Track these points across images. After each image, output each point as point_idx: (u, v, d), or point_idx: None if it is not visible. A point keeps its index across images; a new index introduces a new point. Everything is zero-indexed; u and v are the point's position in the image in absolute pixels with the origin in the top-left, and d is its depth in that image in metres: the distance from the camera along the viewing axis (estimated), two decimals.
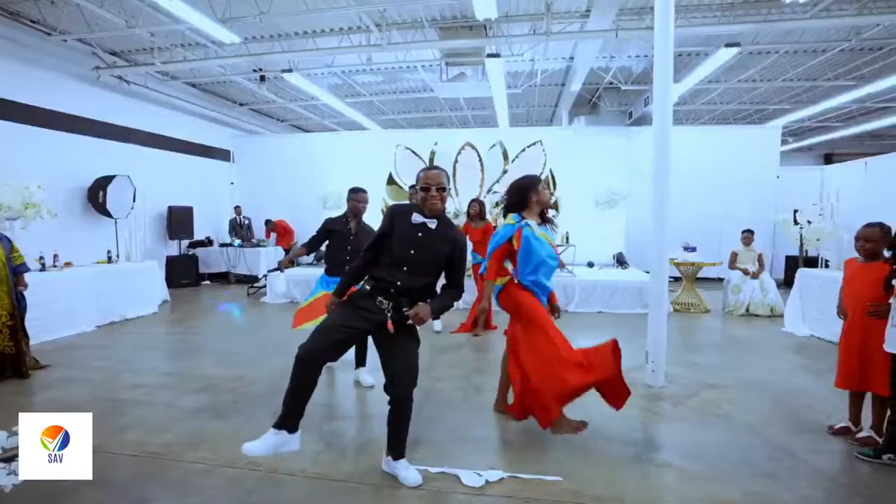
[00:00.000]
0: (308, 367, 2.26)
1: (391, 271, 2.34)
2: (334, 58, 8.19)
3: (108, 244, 7.17)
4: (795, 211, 7.03)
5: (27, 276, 4.19)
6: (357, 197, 3.83)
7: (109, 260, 6.92)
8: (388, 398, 2.33)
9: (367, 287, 2.40)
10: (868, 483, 2.45)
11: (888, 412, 2.62)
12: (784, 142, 13.90)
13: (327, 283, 3.81)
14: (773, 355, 4.81)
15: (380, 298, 2.34)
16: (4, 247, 3.96)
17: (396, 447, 2.41)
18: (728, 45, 6.97)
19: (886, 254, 2.71)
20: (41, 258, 5.58)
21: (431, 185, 2.33)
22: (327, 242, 3.89)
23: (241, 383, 3.91)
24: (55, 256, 5.84)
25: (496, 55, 7.14)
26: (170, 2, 5.28)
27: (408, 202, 3.87)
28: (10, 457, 1.42)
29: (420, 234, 2.37)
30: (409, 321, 2.26)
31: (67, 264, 6.06)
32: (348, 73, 9.58)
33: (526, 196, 2.98)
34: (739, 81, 10.14)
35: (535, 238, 2.92)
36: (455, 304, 2.60)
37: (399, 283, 2.32)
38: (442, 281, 2.52)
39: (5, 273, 3.89)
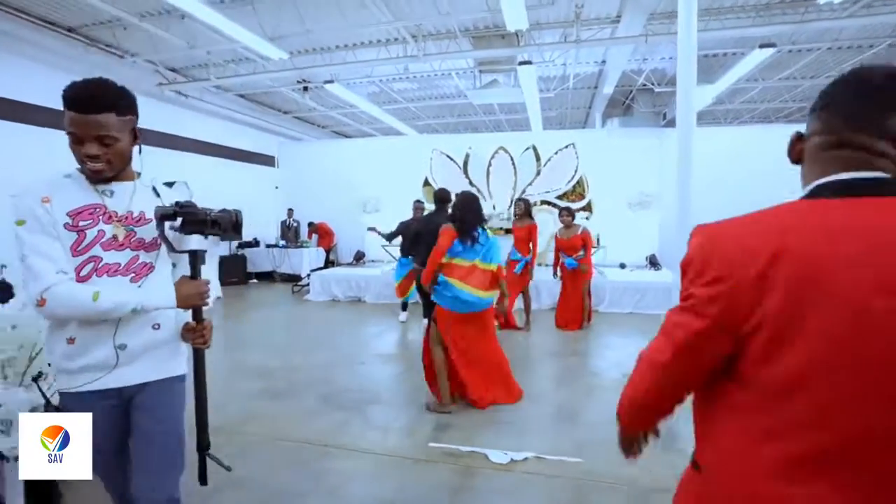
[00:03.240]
0: None
1: None
2: (373, 68, 8.61)
3: None
4: None
5: None
6: (419, 206, 6.24)
7: None
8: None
9: None
10: None
11: None
12: None
13: (402, 265, 5.81)
14: None
15: None
16: None
17: None
18: (762, 46, 6.91)
19: None
20: None
21: None
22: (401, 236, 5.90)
23: (290, 371, 4.31)
24: None
25: (528, 62, 7.35)
26: (227, 24, 5.78)
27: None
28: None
29: None
30: None
31: None
32: (386, 81, 10.00)
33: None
34: (780, 79, 9.92)
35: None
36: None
37: None
38: None
39: None
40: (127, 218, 1.40)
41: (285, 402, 3.61)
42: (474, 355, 3.40)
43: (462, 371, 3.34)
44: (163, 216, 1.40)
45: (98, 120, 1.29)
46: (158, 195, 1.52)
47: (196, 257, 1.48)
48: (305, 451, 2.83)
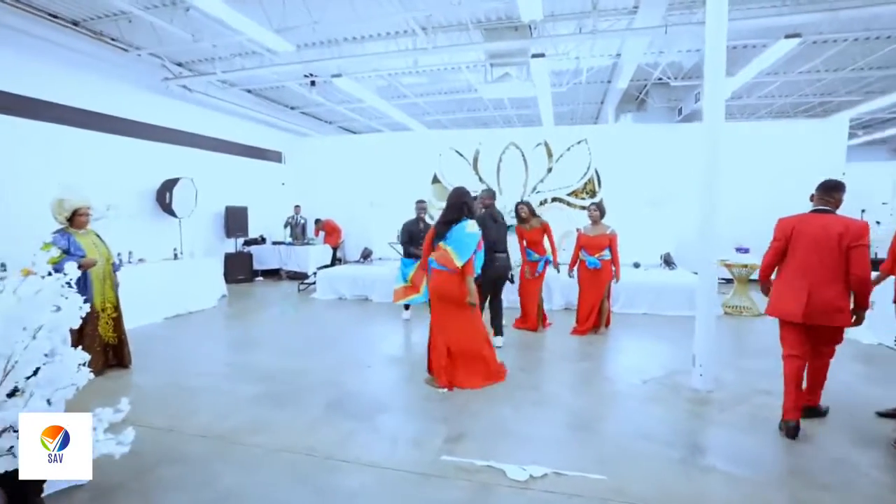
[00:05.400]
0: None
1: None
2: (381, 62, 8.43)
3: (173, 242, 7.72)
4: (863, 211, 6.63)
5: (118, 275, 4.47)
6: (421, 205, 6.01)
7: (175, 257, 7.46)
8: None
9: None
10: None
11: None
12: (852, 135, 13.02)
13: (406, 265, 5.52)
14: (833, 363, 4.57)
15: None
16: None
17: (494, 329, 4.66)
18: (788, 37, 6.63)
19: None
20: (119, 255, 6.11)
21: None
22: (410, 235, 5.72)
23: (295, 374, 4.15)
24: (130, 253, 6.37)
25: (541, 55, 7.12)
26: (231, 16, 5.63)
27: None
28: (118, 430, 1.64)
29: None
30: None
31: (141, 260, 6.61)
32: (394, 75, 9.81)
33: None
34: (801, 73, 9.60)
35: None
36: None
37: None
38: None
39: (110, 269, 4.26)
40: None
41: (289, 408, 3.45)
42: (446, 337, 3.83)
43: (432, 352, 3.89)
44: None
45: None
46: None
47: None
48: (309, 463, 2.67)
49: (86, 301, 1.73)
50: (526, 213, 5.60)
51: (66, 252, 3.90)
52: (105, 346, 4.24)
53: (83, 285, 3.96)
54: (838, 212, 3.02)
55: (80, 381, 1.75)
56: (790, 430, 2.94)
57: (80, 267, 3.92)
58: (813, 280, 2.88)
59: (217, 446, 2.89)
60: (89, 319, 3.97)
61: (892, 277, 3.50)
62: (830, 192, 3.01)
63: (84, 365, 1.74)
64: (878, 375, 4.07)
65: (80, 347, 1.84)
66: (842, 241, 2.81)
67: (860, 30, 7.32)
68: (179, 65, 8.52)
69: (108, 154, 6.98)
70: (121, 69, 7.43)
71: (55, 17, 6.28)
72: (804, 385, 3.11)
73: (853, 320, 2.91)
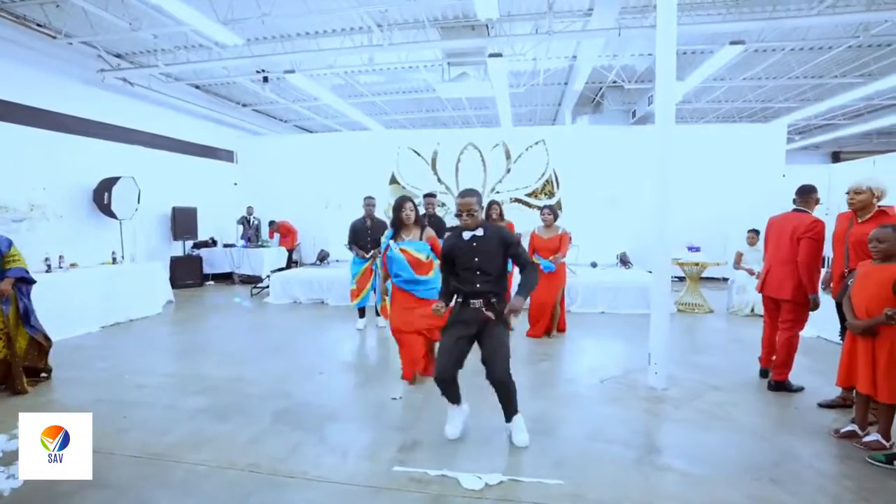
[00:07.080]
0: (447, 383, 2.85)
1: (467, 280, 2.81)
2: (336, 58, 8.20)
3: (113, 245, 7.21)
4: None
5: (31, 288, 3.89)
6: (369, 202, 5.56)
7: (114, 261, 6.97)
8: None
9: (459, 300, 2.87)
10: (876, 489, 2.41)
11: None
12: (790, 140, 13.82)
13: (356, 264, 5.49)
14: None
15: (471, 301, 2.79)
16: (1, 249, 3.71)
17: (506, 413, 2.92)
18: (733, 43, 6.91)
19: None
20: (47, 259, 5.62)
21: (463, 211, 2.78)
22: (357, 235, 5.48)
23: (242, 384, 3.92)
24: (60, 258, 5.88)
25: (498, 55, 7.11)
26: (172, 4, 5.29)
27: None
28: (10, 460, 1.40)
29: (475, 245, 2.82)
30: (505, 313, 2.76)
31: (73, 265, 6.11)
32: (350, 73, 9.59)
33: (396, 216, 3.79)
34: (744, 79, 10.07)
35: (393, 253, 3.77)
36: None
37: (478, 285, 2.79)
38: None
39: None
40: None
41: (233, 421, 3.22)
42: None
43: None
44: None
45: None
46: None
47: None
48: (252, 480, 2.48)
49: None
50: (497, 214, 5.57)
51: None
52: None
53: None
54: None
55: None
56: (761, 372, 3.98)
57: None
58: (771, 262, 3.69)
59: (151, 466, 2.65)
60: None
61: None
62: (801, 194, 3.69)
63: None
64: (820, 367, 4.23)
65: None
66: (794, 234, 3.49)
67: (796, 39, 7.72)
68: (118, 56, 7.99)
69: (34, 150, 6.41)
70: (49, 58, 6.86)
71: None
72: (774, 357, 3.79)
73: (809, 304, 3.51)
